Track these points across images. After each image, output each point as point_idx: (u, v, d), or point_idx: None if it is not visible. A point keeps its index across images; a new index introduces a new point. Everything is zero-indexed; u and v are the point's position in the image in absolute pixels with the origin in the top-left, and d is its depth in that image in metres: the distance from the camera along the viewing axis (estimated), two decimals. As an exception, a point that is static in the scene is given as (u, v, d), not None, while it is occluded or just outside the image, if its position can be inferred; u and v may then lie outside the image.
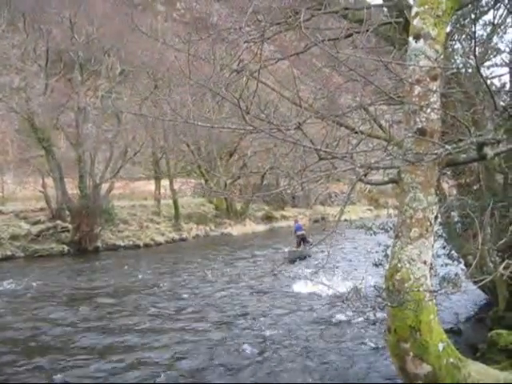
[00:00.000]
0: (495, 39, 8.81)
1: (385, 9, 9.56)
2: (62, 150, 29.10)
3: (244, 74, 6.94)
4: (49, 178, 27.71)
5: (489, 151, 4.58)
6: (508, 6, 7.38)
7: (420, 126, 4.98)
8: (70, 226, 26.61)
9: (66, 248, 25.59)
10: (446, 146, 4.40)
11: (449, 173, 9.39)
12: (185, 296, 15.11)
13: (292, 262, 20.30)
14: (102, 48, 30.08)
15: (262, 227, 38.28)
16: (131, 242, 28.31)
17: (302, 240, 23.46)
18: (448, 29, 8.23)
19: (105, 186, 28.21)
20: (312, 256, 22.11)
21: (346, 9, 8.93)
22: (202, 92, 7.30)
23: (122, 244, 27.85)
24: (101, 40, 29.55)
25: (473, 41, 7.93)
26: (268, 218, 40.39)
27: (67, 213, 27.22)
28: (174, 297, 15.01)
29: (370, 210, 49.40)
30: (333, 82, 9.91)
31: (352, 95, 9.19)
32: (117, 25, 28.61)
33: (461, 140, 4.84)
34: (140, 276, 18.65)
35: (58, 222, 26.78)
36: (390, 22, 8.06)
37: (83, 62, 29.20)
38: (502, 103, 5.03)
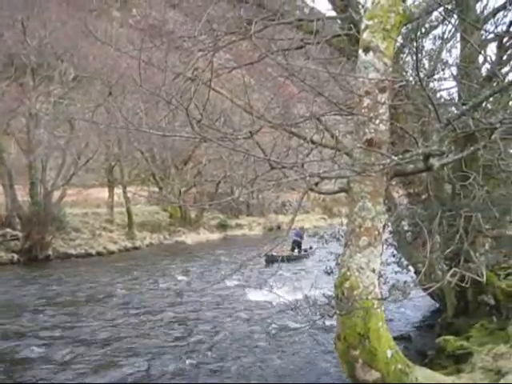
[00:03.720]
0: (444, 53, 9.07)
1: (339, 21, 9.72)
2: (12, 155, 28.33)
3: (198, 82, 6.96)
4: (-2, 185, 26.95)
5: (435, 162, 4.72)
6: (455, 24, 7.61)
7: (369, 137, 5.08)
8: (19, 234, 25.83)
9: (15, 257, 24.77)
10: (393, 157, 4.51)
11: (395, 183, 9.56)
12: (134, 305, 14.92)
13: (270, 262, 20.60)
14: (55, 53, 29.47)
15: (216, 235, 38.20)
16: (83, 251, 27.64)
17: (297, 246, 25.73)
18: (400, 42, 8.45)
19: (56, 194, 27.54)
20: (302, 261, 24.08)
21: (300, 20, 9.04)
22: (156, 100, 7.28)
23: (74, 252, 27.17)
24: (54, 45, 28.91)
25: (422, 54, 8.15)
26: (222, 227, 40.30)
27: (17, 220, 26.40)
28: (124, 306, 14.74)
29: (323, 218, 49.85)
30: (288, 92, 10.04)
31: (306, 105, 9.30)
32: (70, 29, 28.09)
33: (408, 151, 4.96)
34: (90, 285, 18.27)
35: (8, 229, 25.97)
36: (342, 34, 8.20)
37: (35, 66, 28.45)
38: (449, 115, 5.17)
